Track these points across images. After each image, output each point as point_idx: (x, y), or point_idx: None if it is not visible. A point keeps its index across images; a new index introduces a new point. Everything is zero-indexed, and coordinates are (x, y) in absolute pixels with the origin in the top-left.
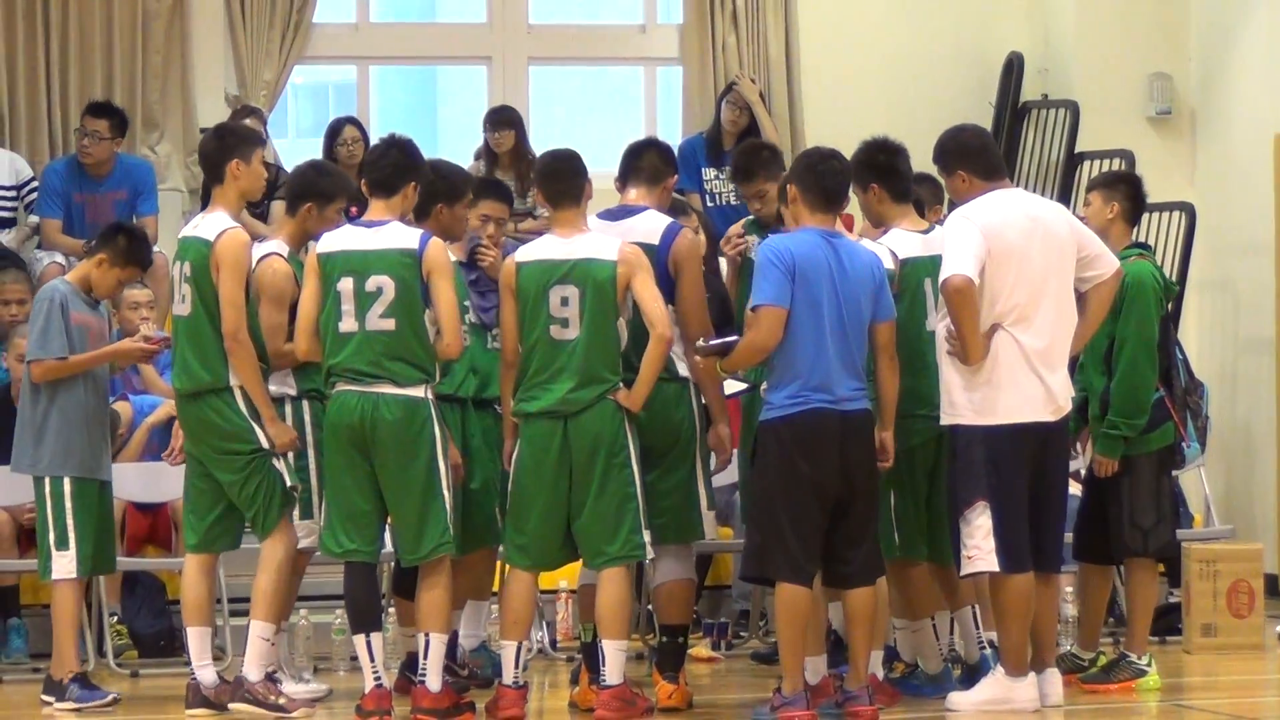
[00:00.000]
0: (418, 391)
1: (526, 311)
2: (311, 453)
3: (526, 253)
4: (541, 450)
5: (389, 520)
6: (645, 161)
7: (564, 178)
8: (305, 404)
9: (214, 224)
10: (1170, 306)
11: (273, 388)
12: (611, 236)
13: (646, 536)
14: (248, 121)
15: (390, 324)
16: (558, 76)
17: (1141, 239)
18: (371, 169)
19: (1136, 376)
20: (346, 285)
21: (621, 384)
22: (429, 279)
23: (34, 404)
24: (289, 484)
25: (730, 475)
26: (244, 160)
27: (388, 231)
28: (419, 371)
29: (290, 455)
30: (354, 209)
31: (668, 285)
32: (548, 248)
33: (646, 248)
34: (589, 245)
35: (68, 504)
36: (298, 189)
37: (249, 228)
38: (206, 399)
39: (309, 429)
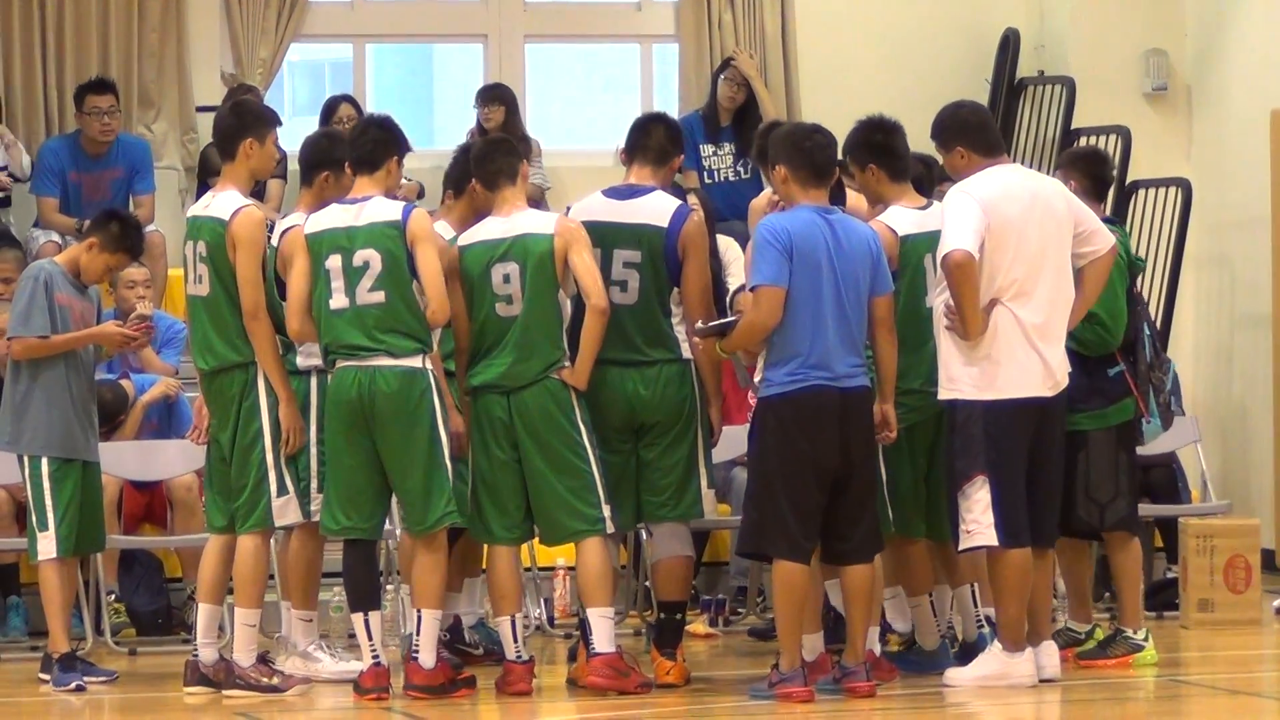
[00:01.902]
0: (414, 362)
1: (473, 293)
2: None
3: (468, 236)
4: (488, 425)
5: (393, 495)
6: (654, 140)
7: (497, 159)
8: (329, 378)
9: (227, 203)
10: (1140, 282)
11: (302, 360)
12: (548, 212)
13: (606, 511)
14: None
15: (380, 296)
16: (554, 54)
17: (1137, 214)
18: (354, 147)
19: (1090, 333)
20: (335, 262)
21: (567, 361)
22: (413, 248)
23: (15, 382)
24: (281, 494)
25: (728, 452)
26: (258, 140)
27: (371, 206)
28: (414, 341)
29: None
30: None
31: (675, 268)
32: (488, 229)
33: (655, 229)
34: (526, 221)
35: (45, 484)
36: (312, 160)
37: None
38: (233, 375)
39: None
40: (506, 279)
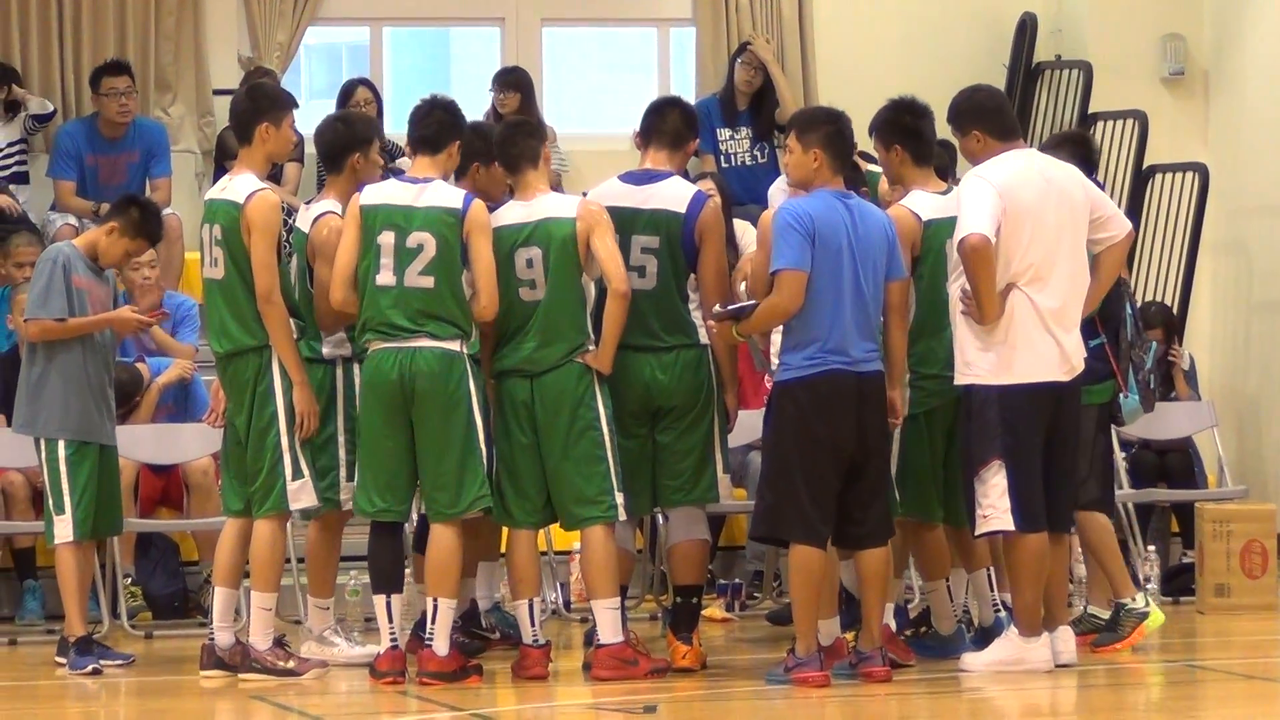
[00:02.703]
0: (454, 345)
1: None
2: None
3: (492, 220)
4: (510, 410)
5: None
6: (669, 123)
7: (519, 141)
8: (356, 367)
9: (243, 186)
10: (1135, 264)
11: (327, 349)
12: (571, 195)
13: (619, 498)
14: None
15: (429, 281)
16: (571, 37)
17: (1154, 200)
18: (418, 126)
19: None
20: (387, 239)
21: (591, 345)
22: (468, 239)
23: (31, 364)
24: (296, 478)
25: (744, 437)
26: (274, 124)
27: (433, 189)
28: (455, 328)
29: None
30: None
31: (692, 253)
32: (510, 213)
33: (673, 215)
34: (549, 205)
35: (62, 468)
36: (337, 146)
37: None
38: (247, 358)
39: (357, 391)
40: (529, 263)
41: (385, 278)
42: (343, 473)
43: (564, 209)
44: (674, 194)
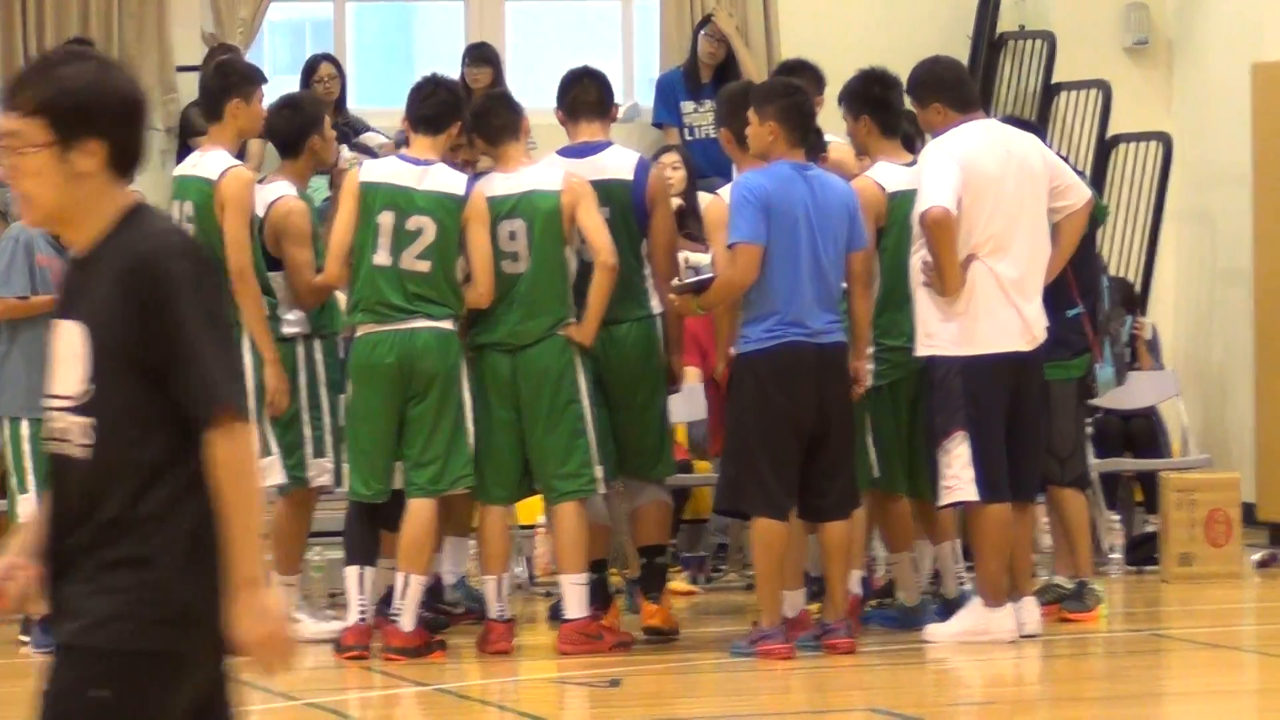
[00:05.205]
0: (449, 325)
1: None
2: (323, 389)
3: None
4: (492, 383)
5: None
6: (591, 93)
7: (500, 114)
8: (317, 342)
9: (215, 162)
10: (1100, 235)
11: (286, 328)
12: (555, 167)
13: (598, 471)
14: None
15: (426, 266)
16: (534, 11)
17: (1118, 170)
18: (420, 106)
19: None
20: (387, 219)
21: (572, 319)
22: (467, 225)
23: None
24: (265, 455)
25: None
26: (245, 100)
27: (436, 172)
28: (448, 310)
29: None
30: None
31: (643, 221)
32: (494, 185)
33: (620, 183)
34: (533, 178)
35: (25, 446)
36: (295, 131)
37: None
38: None
39: (320, 368)
40: (513, 236)
41: (382, 258)
42: (309, 449)
43: (549, 182)
44: (618, 163)
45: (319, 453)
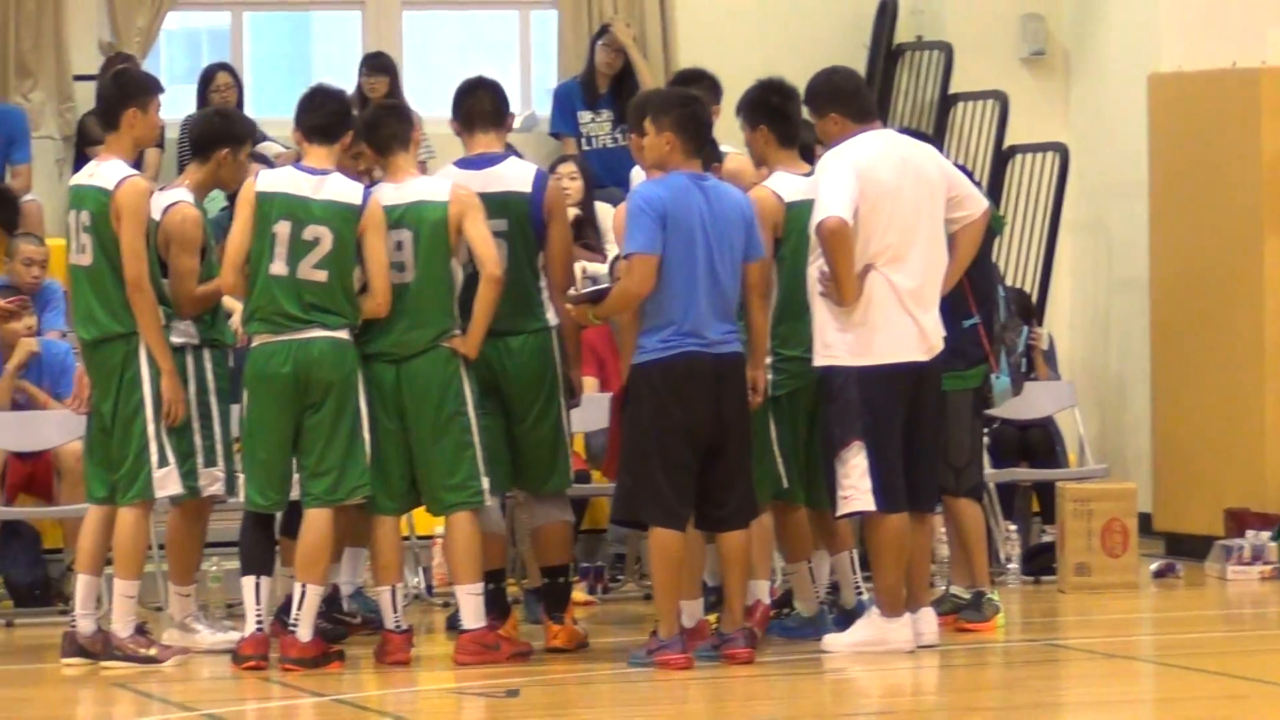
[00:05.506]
0: (344, 335)
1: None
2: (213, 399)
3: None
4: (377, 393)
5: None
6: (487, 103)
7: (389, 124)
8: (206, 352)
9: (112, 172)
10: (996, 245)
11: (175, 339)
12: (444, 178)
13: (485, 483)
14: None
15: (322, 276)
16: (431, 21)
17: (1014, 180)
18: (311, 115)
19: None
20: (283, 229)
21: (457, 330)
22: (363, 235)
23: None
24: (162, 466)
25: (606, 420)
26: (141, 109)
27: (333, 182)
28: (343, 320)
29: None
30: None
31: (541, 233)
32: (383, 195)
33: (518, 196)
34: (421, 188)
35: None
36: (209, 137)
37: None
38: (114, 345)
39: (210, 378)
40: (399, 246)
41: (278, 267)
42: (200, 459)
43: (436, 192)
44: (516, 175)
45: (210, 462)
